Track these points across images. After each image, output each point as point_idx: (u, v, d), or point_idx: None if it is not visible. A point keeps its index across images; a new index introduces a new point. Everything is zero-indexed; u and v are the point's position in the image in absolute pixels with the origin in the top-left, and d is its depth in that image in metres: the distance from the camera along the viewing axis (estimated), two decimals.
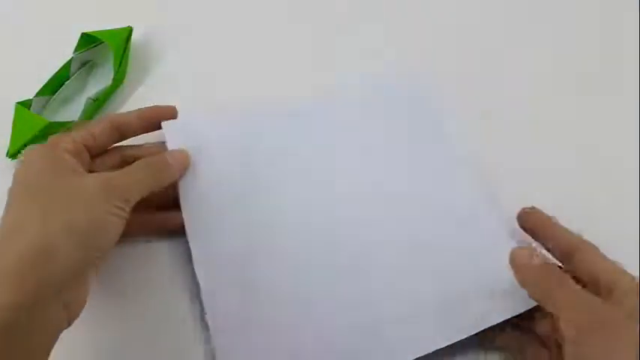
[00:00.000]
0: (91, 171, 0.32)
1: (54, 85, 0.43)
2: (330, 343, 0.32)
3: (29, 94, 0.41)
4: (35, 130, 0.38)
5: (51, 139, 0.32)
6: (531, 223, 0.34)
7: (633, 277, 0.29)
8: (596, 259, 0.31)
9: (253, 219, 0.35)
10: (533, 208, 0.35)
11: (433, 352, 0.32)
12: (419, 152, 0.38)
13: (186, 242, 0.34)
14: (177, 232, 0.35)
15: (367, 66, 0.45)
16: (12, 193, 0.30)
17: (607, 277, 0.29)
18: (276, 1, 0.48)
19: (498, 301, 0.33)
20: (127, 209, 0.30)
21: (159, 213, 0.36)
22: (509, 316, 0.32)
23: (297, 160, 0.37)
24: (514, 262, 0.32)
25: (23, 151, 0.32)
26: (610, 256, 0.31)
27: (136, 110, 0.36)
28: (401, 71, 0.43)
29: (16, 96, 0.40)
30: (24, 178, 0.30)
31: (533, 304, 0.32)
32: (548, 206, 0.37)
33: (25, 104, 0.40)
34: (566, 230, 0.33)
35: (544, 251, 0.33)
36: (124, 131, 0.35)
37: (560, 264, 0.32)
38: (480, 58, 0.45)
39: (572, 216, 0.36)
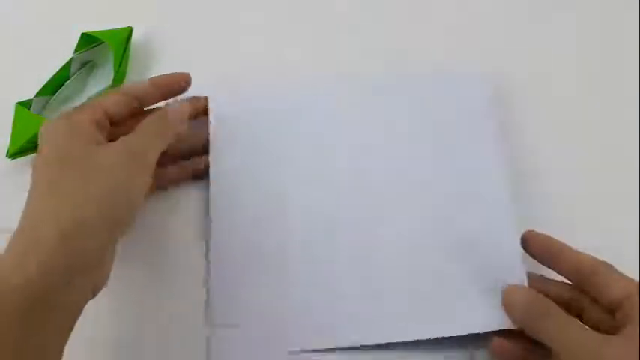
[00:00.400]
0: (110, 140, 0.32)
1: (54, 85, 0.43)
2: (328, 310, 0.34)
3: (29, 94, 0.41)
4: (35, 130, 0.38)
5: (73, 111, 0.32)
6: (537, 248, 0.33)
7: None
8: (610, 279, 0.30)
9: (270, 191, 0.37)
10: (531, 231, 0.34)
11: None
12: (453, 150, 0.39)
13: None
14: (200, 177, 0.38)
15: (367, 66, 0.45)
16: (38, 167, 0.30)
17: (619, 293, 0.29)
18: (277, 1, 0.48)
19: (493, 309, 0.33)
20: (150, 171, 0.31)
21: (177, 163, 0.38)
22: (496, 328, 0.32)
23: (323, 142, 0.39)
24: (503, 301, 0.32)
25: (43, 125, 0.31)
26: (609, 258, 0.31)
27: (150, 78, 0.36)
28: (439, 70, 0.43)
29: (16, 96, 0.41)
30: (50, 151, 0.30)
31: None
32: (547, 207, 0.38)
33: (25, 104, 0.40)
34: (575, 253, 0.32)
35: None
36: (141, 100, 0.35)
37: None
38: (480, 58, 0.45)
39: (572, 216, 0.36)
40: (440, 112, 0.40)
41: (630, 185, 0.39)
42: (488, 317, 0.32)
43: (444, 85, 0.41)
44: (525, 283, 0.33)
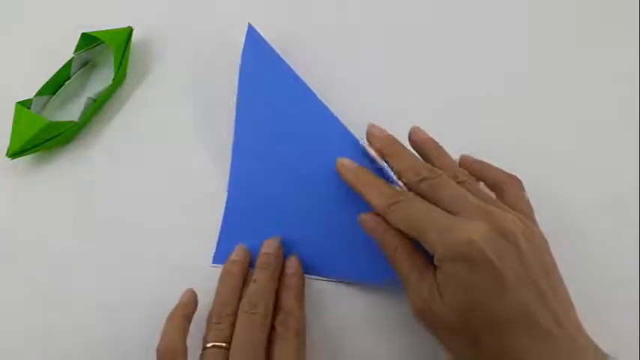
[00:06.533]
0: None
1: (54, 85, 0.43)
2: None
3: (29, 94, 0.41)
4: (35, 129, 0.38)
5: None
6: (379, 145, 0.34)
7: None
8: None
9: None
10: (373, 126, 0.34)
11: None
12: None
13: None
14: None
15: None
16: None
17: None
18: (275, 0, 0.48)
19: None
20: None
21: None
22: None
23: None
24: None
25: None
26: (609, 258, 0.30)
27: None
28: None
29: (16, 96, 0.41)
30: None
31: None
32: (546, 207, 0.38)
33: (25, 104, 0.40)
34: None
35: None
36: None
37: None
38: (478, 57, 0.45)
39: (570, 217, 0.36)
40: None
41: (630, 185, 0.39)
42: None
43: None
44: None
